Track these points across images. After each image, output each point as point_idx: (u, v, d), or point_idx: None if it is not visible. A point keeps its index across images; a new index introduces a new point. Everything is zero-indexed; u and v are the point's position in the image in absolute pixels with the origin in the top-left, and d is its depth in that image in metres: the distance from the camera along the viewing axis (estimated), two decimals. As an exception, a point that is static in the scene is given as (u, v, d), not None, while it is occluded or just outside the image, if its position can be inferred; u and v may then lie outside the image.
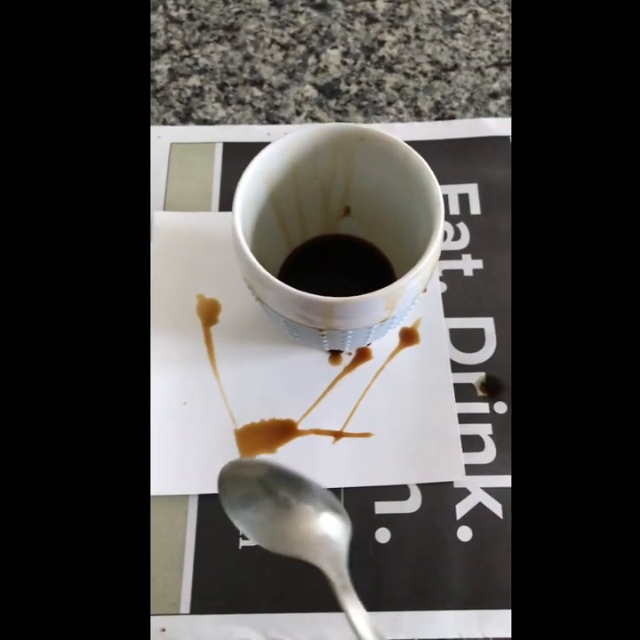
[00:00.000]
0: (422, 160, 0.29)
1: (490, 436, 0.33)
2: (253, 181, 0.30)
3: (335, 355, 0.35)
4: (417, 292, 0.29)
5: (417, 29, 0.46)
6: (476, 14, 0.46)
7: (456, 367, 0.35)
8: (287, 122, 0.42)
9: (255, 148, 0.40)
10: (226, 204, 0.39)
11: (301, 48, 0.45)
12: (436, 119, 0.42)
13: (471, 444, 0.33)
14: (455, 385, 0.34)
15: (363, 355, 0.35)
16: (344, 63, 0.45)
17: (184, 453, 0.32)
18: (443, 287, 0.37)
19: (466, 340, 0.35)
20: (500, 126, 0.41)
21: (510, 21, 0.46)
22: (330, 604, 0.30)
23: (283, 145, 0.30)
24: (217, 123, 0.42)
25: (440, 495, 0.32)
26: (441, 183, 0.39)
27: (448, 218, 0.39)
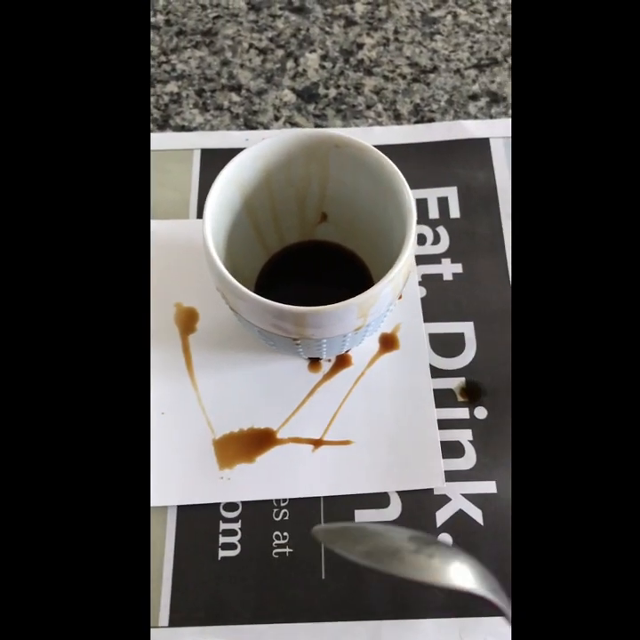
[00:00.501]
0: (394, 166, 0.29)
1: (470, 441, 0.33)
2: (225, 189, 0.29)
3: (314, 362, 0.35)
4: (391, 300, 0.28)
5: (396, 31, 0.46)
6: (455, 15, 0.46)
7: (436, 372, 0.34)
8: (266, 127, 0.42)
9: (233, 154, 0.40)
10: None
11: (280, 52, 0.45)
12: (416, 122, 0.42)
13: (451, 450, 0.33)
14: (435, 390, 0.34)
15: (342, 361, 0.35)
16: (322, 67, 0.44)
17: (162, 464, 0.32)
18: (422, 292, 0.37)
19: (445, 344, 0.35)
20: (480, 128, 0.41)
21: (489, 22, 0.46)
22: (308, 613, 0.30)
23: (255, 152, 0.30)
24: (195, 129, 0.42)
25: (420, 502, 0.32)
26: (420, 187, 0.39)
27: (427, 222, 0.39)
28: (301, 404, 0.34)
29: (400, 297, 0.30)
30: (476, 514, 0.31)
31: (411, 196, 0.28)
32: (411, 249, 0.27)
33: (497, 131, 0.41)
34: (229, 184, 0.30)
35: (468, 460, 0.32)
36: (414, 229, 0.27)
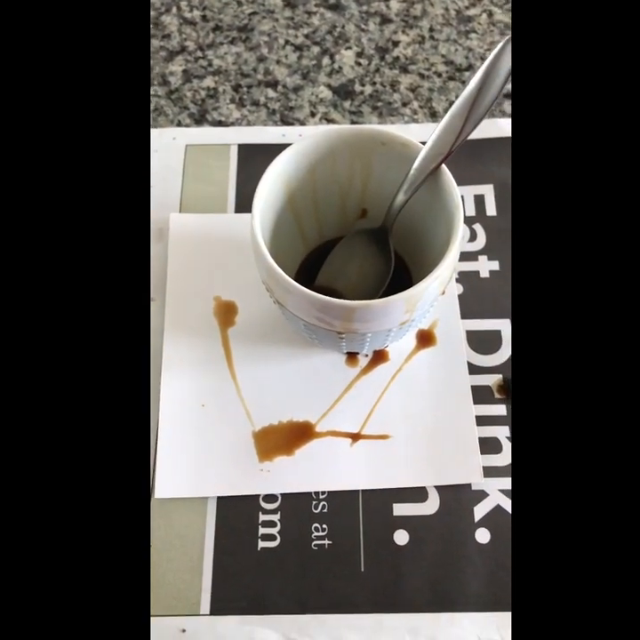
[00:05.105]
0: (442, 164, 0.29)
1: (507, 438, 0.33)
2: (272, 185, 0.30)
3: (352, 356, 0.35)
4: (436, 295, 0.29)
5: (431, 29, 0.46)
6: (491, 14, 0.46)
7: (473, 369, 0.35)
8: (302, 123, 0.42)
9: (270, 149, 0.41)
10: (242, 205, 0.39)
11: (315, 49, 0.45)
12: (451, 120, 0.42)
13: (488, 446, 0.33)
14: (472, 387, 0.34)
15: (379, 356, 0.35)
16: (358, 64, 0.45)
17: (202, 455, 0.33)
18: (459, 289, 0.37)
19: (482, 341, 0.35)
20: (516, 127, 0.41)
21: (525, 21, 0.46)
22: (347, 605, 0.30)
23: (301, 148, 0.30)
24: (232, 124, 0.42)
25: (458, 497, 0.32)
26: (456, 184, 0.39)
27: (464, 219, 0.39)
28: (339, 398, 0.34)
29: (443, 292, 0.30)
30: (514, 510, 0.32)
31: (458, 193, 0.28)
32: (458, 245, 0.28)
33: (533, 129, 0.41)
34: (276, 180, 0.30)
35: (506, 456, 0.33)
36: (461, 227, 0.28)
